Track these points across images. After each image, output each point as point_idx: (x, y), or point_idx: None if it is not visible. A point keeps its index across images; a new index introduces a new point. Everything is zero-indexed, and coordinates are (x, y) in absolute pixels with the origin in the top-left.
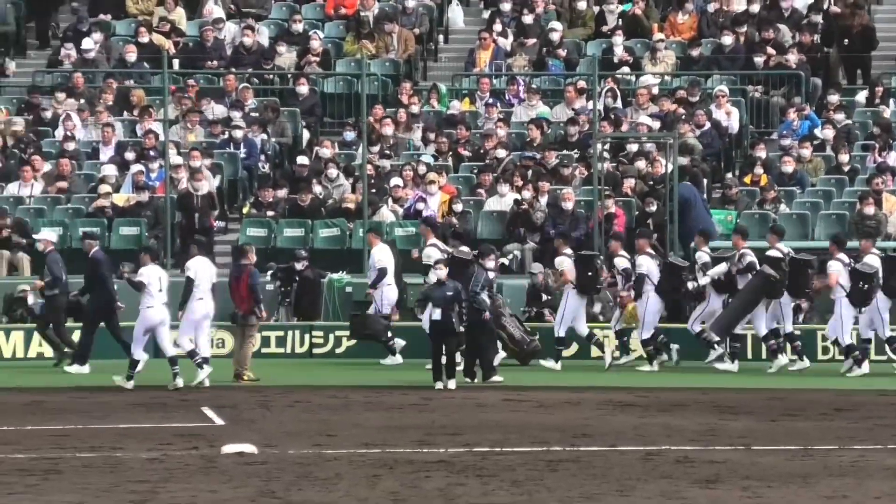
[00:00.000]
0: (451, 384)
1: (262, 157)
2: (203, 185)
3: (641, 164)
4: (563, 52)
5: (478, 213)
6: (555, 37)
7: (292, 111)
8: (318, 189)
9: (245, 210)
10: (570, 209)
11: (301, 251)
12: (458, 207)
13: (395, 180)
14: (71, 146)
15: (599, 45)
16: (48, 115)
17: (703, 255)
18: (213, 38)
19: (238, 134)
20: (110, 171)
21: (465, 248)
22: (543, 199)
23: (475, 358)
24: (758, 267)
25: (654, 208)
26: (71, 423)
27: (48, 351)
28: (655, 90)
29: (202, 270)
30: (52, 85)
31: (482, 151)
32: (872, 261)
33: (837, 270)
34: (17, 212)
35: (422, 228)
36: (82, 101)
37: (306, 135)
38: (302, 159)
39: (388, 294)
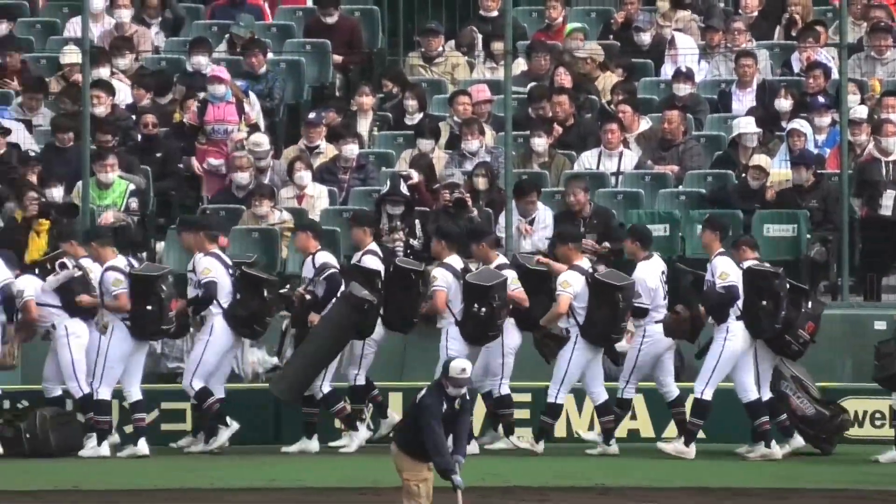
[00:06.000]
0: None
1: None
2: None
3: None
4: None
5: None
6: None
7: None
8: None
9: None
10: None
11: None
12: None
13: None
14: (684, 89)
15: None
16: (646, 38)
17: None
18: None
19: None
20: (749, 128)
21: None
22: None
23: None
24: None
25: None
26: None
27: None
28: None
29: None
30: None
31: None
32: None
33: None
34: (596, 197)
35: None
36: (702, 15)
37: None
38: None
39: None
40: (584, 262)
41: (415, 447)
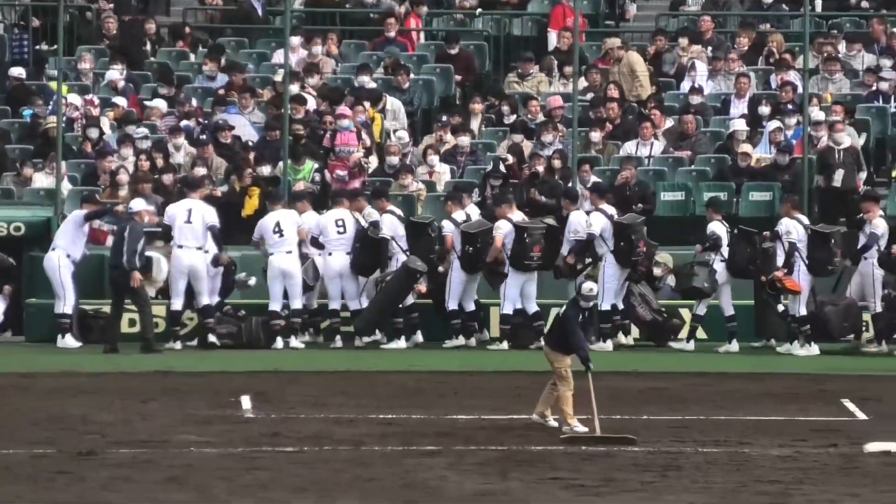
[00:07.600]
0: None
1: None
2: (845, 142)
3: None
4: None
5: None
6: None
7: None
8: None
9: (895, 174)
10: None
11: None
12: None
13: None
14: (697, 100)
15: None
16: (672, 69)
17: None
18: None
19: (885, 86)
20: (740, 126)
21: None
22: None
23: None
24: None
25: None
26: (691, 414)
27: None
28: None
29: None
30: (677, 30)
31: None
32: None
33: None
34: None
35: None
36: (709, 48)
37: None
38: None
39: None
40: (516, 215)
41: (561, 344)
